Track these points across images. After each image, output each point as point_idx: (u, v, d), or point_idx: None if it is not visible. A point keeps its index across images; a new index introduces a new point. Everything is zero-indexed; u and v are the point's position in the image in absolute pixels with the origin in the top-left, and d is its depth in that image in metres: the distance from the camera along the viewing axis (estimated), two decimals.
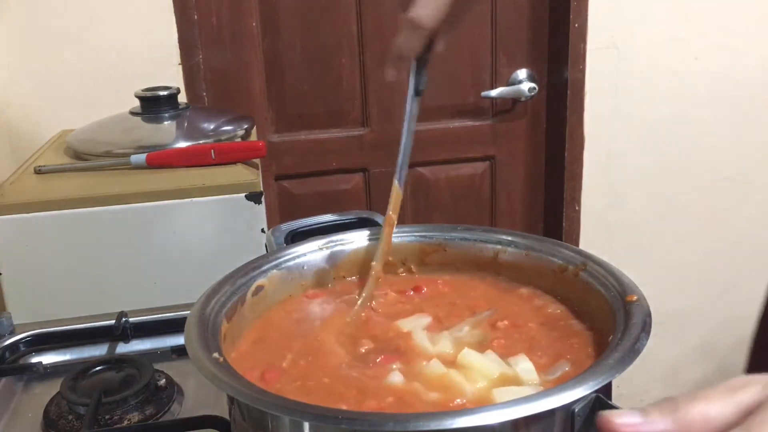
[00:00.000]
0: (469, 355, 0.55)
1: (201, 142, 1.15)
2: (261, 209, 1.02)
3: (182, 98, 1.28)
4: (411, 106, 0.67)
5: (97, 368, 0.76)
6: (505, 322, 0.62)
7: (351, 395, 0.52)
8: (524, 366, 0.54)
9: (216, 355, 0.50)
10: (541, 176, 2.00)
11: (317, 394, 0.53)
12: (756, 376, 0.39)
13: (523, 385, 0.52)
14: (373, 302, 0.66)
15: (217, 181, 1.03)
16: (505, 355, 0.56)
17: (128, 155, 1.10)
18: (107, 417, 0.70)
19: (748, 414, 0.38)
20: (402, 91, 0.67)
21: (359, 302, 0.66)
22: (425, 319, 0.63)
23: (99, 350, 0.85)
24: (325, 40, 1.75)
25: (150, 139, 1.16)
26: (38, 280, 0.99)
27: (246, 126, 1.24)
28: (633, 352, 0.48)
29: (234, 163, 1.10)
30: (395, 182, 0.68)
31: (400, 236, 0.71)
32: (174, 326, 0.85)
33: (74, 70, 1.56)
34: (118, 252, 1.01)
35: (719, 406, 0.38)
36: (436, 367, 0.54)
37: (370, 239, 0.71)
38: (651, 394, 2.20)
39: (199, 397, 0.75)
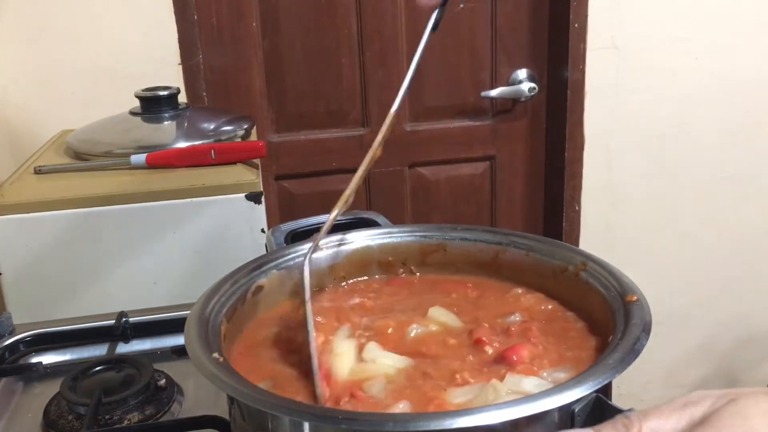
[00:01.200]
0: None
1: (201, 142, 1.15)
2: (261, 209, 1.02)
3: (182, 98, 1.28)
4: (426, 39, 0.65)
5: (97, 368, 0.76)
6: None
7: None
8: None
9: (216, 355, 0.50)
10: (541, 176, 2.00)
11: None
12: (712, 390, 0.40)
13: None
14: None
15: (217, 181, 1.03)
16: None
17: (128, 155, 1.10)
18: (107, 417, 0.70)
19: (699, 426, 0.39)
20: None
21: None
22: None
23: (99, 350, 0.85)
24: (325, 40, 1.75)
25: (150, 139, 1.16)
26: (38, 280, 0.99)
27: (246, 126, 1.24)
28: (633, 352, 0.48)
29: (234, 163, 1.10)
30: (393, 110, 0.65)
31: (400, 236, 0.71)
32: (174, 326, 0.85)
33: (74, 70, 1.56)
34: (118, 252, 1.01)
35: (672, 421, 0.40)
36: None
37: (370, 239, 0.71)
38: (651, 394, 2.21)
39: (199, 397, 0.75)
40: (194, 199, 1.01)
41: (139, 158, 1.09)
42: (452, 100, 1.86)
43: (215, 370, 0.48)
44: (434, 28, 0.65)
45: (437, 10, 0.64)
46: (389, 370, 0.54)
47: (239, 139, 1.20)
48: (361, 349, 0.57)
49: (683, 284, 2.11)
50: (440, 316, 0.62)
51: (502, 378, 0.52)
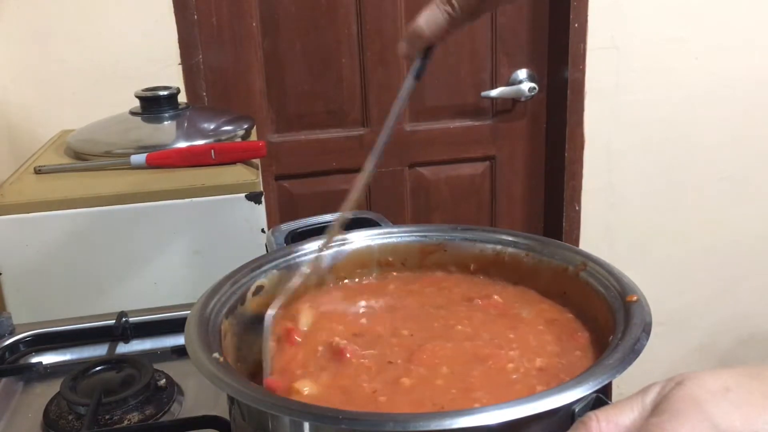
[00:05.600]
0: None
1: (201, 142, 1.15)
2: (261, 209, 1.02)
3: (182, 98, 1.28)
4: (407, 89, 0.61)
5: (97, 368, 0.76)
6: None
7: None
8: None
9: (216, 355, 0.50)
10: (541, 176, 2.00)
11: None
12: (665, 379, 0.42)
13: None
14: None
15: (217, 181, 1.02)
16: None
17: (128, 155, 1.10)
18: (107, 417, 0.70)
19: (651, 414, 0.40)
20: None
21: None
22: None
23: (99, 350, 0.85)
24: (325, 40, 1.75)
25: (150, 139, 1.16)
26: (38, 280, 0.99)
27: (246, 126, 1.24)
28: (633, 352, 0.48)
29: (234, 163, 1.10)
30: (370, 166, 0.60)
31: (400, 236, 0.71)
32: (174, 326, 0.85)
33: (74, 70, 1.56)
34: (118, 252, 1.01)
35: (628, 412, 0.41)
36: None
37: (370, 239, 0.71)
38: None
39: (199, 397, 0.75)
40: (194, 199, 1.01)
41: (139, 158, 1.09)
42: (452, 100, 1.86)
43: (215, 370, 0.48)
44: (417, 77, 0.60)
45: (419, 60, 0.60)
46: None
47: (239, 139, 1.20)
48: None
49: (683, 284, 2.11)
50: None
51: None
